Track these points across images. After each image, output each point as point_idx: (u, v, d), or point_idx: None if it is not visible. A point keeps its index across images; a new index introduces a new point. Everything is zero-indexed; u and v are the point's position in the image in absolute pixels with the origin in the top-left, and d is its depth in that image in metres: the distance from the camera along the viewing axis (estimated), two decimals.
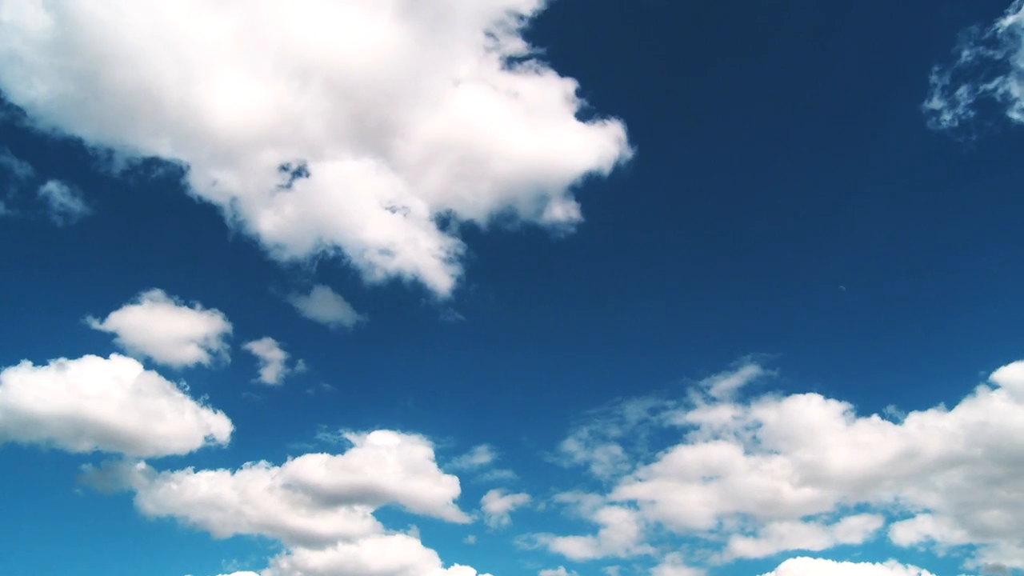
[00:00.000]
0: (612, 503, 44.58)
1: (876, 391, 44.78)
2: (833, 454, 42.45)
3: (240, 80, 41.08)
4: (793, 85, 48.05)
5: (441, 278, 45.02)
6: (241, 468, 42.41)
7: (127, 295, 41.94)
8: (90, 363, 39.73)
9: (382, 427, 44.40)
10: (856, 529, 42.94)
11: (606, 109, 44.71)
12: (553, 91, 44.42)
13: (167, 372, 41.51)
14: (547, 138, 44.63)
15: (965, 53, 42.94)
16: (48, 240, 41.96)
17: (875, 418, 42.86)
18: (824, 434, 42.79)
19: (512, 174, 44.51)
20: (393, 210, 44.61)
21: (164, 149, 41.21)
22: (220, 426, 42.10)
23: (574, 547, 44.07)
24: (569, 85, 44.40)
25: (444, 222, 45.23)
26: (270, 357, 43.79)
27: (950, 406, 41.94)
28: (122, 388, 39.63)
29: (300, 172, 43.39)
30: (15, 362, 38.62)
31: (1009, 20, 41.61)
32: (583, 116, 44.66)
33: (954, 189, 46.10)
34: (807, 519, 43.32)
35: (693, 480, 44.55)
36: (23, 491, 41.11)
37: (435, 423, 45.12)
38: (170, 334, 41.94)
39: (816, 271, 48.14)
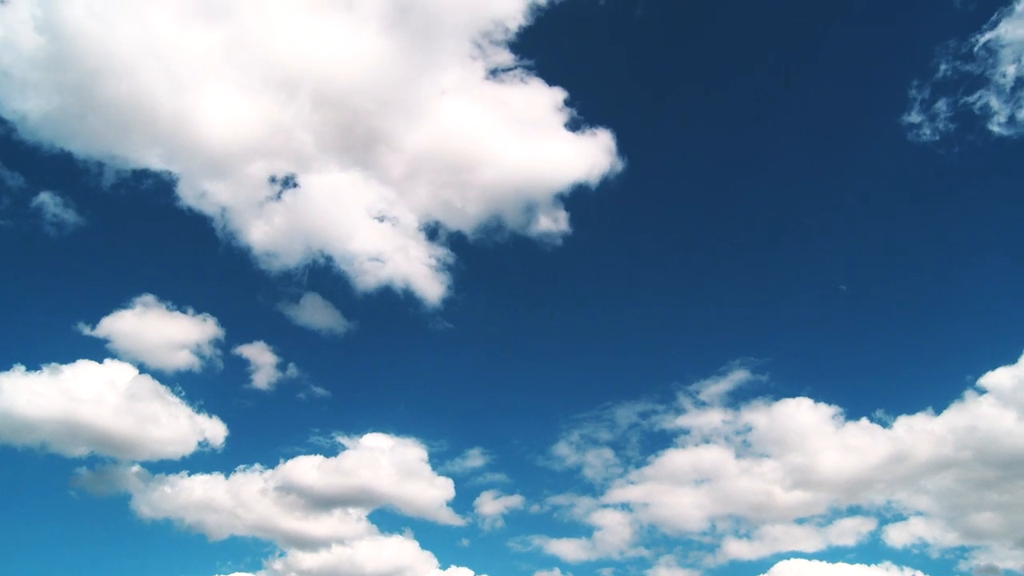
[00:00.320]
0: (605, 505, 44.98)
1: (865, 395, 45.12)
2: (824, 457, 42.82)
3: (229, 92, 41.68)
4: (778, 98, 49.08)
5: (431, 286, 45.51)
6: (236, 472, 42.75)
7: (120, 301, 42.33)
8: (83, 367, 40.07)
9: (375, 430, 44.78)
10: (849, 531, 43.27)
11: (594, 119, 45.18)
12: (541, 101, 44.87)
13: (160, 377, 41.85)
14: (535, 148, 45.03)
15: (944, 67, 43.86)
16: (41, 249, 42.53)
17: (864, 421, 43.24)
18: (815, 437, 43.13)
19: (500, 184, 44.90)
20: (382, 219, 45.26)
21: (155, 161, 41.80)
22: (214, 430, 42.43)
23: (568, 549, 44.43)
24: (557, 95, 44.79)
25: (433, 232, 45.76)
26: (263, 362, 44.15)
27: (938, 410, 42.45)
28: (116, 392, 39.95)
29: (289, 183, 44.03)
30: (8, 367, 39.00)
31: (987, 36, 42.44)
32: (571, 126, 45.09)
33: (939, 199, 46.99)
34: (800, 521, 43.67)
35: (685, 483, 44.92)
36: (18, 494, 41.32)
37: (428, 427, 45.54)
38: (163, 339, 42.27)
39: (804, 277, 48.90)
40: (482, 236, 45.92)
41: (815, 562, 41.68)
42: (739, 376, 45.48)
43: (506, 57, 44.10)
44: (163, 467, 41.69)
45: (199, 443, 41.76)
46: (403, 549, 42.65)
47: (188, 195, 42.76)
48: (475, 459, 46.01)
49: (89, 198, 42.16)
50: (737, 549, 43.56)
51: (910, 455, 41.64)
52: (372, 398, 47.36)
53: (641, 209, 48.75)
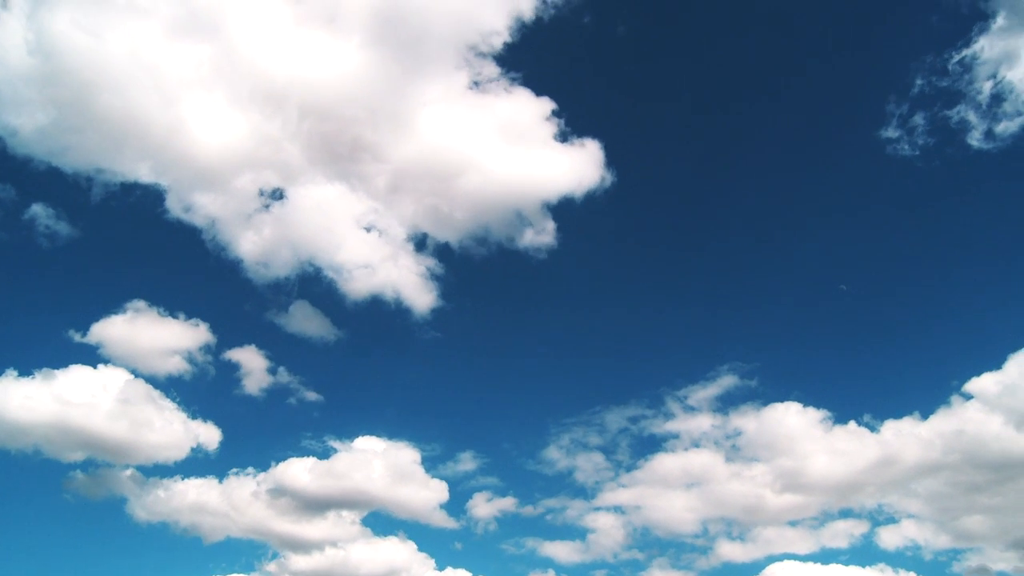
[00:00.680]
0: (597, 508, 45.17)
1: (852, 400, 45.55)
2: (814, 461, 43.01)
3: (217, 106, 42.18)
4: (760, 113, 49.96)
5: (419, 296, 45.81)
6: (230, 476, 43.00)
7: (112, 307, 42.57)
8: (76, 372, 40.38)
9: (367, 434, 44.90)
10: (841, 533, 43.45)
11: (580, 129, 45.48)
12: (528, 113, 45.13)
13: (153, 382, 42.12)
14: (522, 158, 45.31)
15: (920, 82, 44.79)
16: (34, 258, 43.10)
17: (852, 425, 43.48)
18: (804, 441, 43.32)
19: (488, 194, 45.14)
20: (369, 230, 45.66)
21: (145, 174, 42.34)
22: (207, 435, 42.70)
23: (562, 551, 44.58)
24: (545, 106, 45.03)
25: (421, 242, 46.11)
26: (255, 367, 44.35)
27: (925, 415, 42.70)
28: (109, 397, 40.17)
29: (277, 195, 44.50)
30: (0, 372, 39.28)
31: (964, 52, 43.25)
32: (559, 137, 45.35)
33: (923, 209, 47.43)
34: (792, 524, 43.91)
35: (676, 487, 45.10)
36: (12, 498, 41.57)
37: (420, 431, 45.79)
38: (156, 345, 42.55)
39: (791, 284, 49.28)
40: (470, 246, 46.41)
41: (809, 564, 41.97)
42: (727, 381, 45.94)
43: (492, 69, 44.58)
44: (157, 471, 41.99)
45: (193, 447, 42.15)
46: (399, 551, 42.99)
47: (178, 207, 43.42)
48: (467, 463, 46.42)
49: (80, 210, 42.81)
50: (730, 551, 43.87)
51: (899, 459, 41.95)
52: (364, 402, 47.71)
53: (628, 217, 49.15)
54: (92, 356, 40.96)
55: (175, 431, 41.53)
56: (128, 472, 41.61)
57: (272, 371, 44.41)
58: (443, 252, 46.22)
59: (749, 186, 49.79)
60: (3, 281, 42.90)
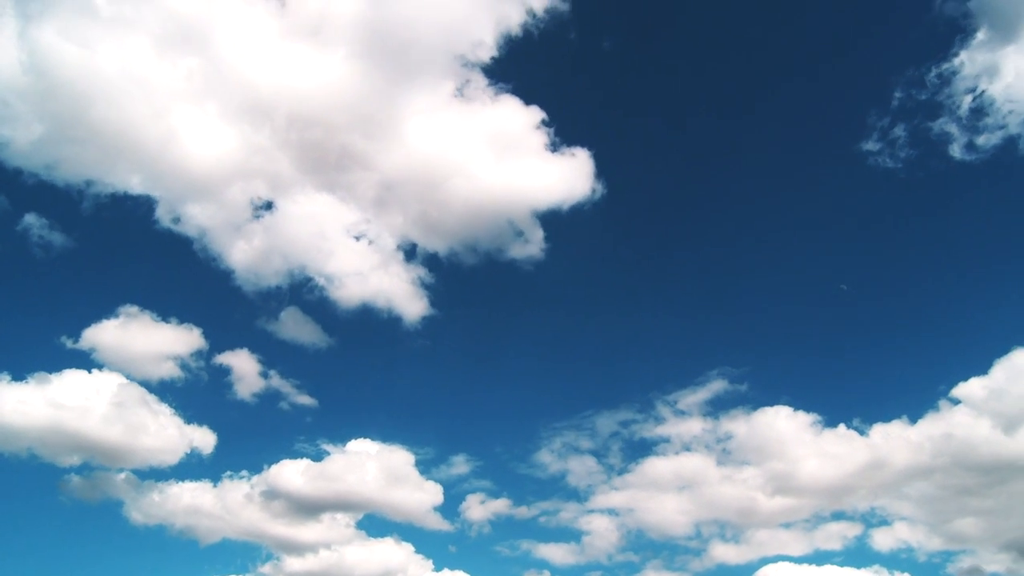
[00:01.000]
0: (591, 511, 45.40)
1: (841, 405, 45.82)
2: (805, 464, 43.21)
3: (206, 118, 42.72)
4: (749, 122, 50.51)
5: (410, 304, 46.11)
6: (225, 479, 43.31)
7: (106, 312, 42.90)
8: (70, 377, 40.68)
9: (361, 437, 45.13)
10: (835, 536, 43.69)
11: (570, 138, 45.85)
12: (517, 122, 45.49)
13: (146, 386, 42.42)
14: (512, 168, 45.72)
15: (900, 95, 45.50)
16: (28, 267, 43.53)
17: (841, 428, 43.72)
18: (796, 445, 43.55)
19: (477, 204, 45.46)
20: (359, 238, 46.08)
21: (137, 185, 42.88)
22: (201, 438, 42.97)
23: (557, 554, 44.79)
24: (534, 116, 45.36)
25: (411, 251, 46.46)
26: (247, 371, 44.65)
27: (913, 419, 42.96)
28: (103, 401, 40.49)
29: (268, 205, 44.94)
30: None
31: (945, 65, 43.83)
32: (548, 146, 45.68)
33: (909, 219, 48.11)
34: (786, 526, 44.17)
35: (668, 490, 45.31)
36: (8, 501, 41.85)
37: (413, 434, 45.99)
38: (148, 350, 42.81)
39: (779, 290, 49.72)
40: (460, 254, 46.73)
41: (804, 566, 42.17)
42: (717, 386, 46.25)
43: (481, 79, 44.97)
44: (152, 475, 42.29)
45: (187, 451, 42.43)
46: (395, 553, 43.21)
47: (169, 217, 43.88)
48: (460, 466, 46.67)
49: (73, 220, 43.24)
50: (723, 553, 44.12)
51: (890, 462, 42.20)
52: (357, 406, 48.00)
53: (617, 223, 49.48)
54: (86, 361, 41.42)
55: (169, 435, 41.90)
56: (123, 476, 42.05)
57: (264, 375, 44.84)
58: (433, 261, 46.75)
59: (738, 194, 50.53)
60: None
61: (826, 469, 42.71)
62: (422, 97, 44.70)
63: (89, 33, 39.53)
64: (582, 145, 45.71)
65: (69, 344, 41.52)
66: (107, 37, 40.04)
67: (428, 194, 45.45)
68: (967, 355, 43.36)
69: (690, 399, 46.32)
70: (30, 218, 42.29)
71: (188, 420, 42.82)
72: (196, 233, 44.16)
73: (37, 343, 42.48)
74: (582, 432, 47.17)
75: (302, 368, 45.63)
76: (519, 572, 44.93)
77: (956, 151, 44.01)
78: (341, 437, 45.06)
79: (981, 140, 43.51)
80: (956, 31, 43.40)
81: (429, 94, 44.77)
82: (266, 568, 42.32)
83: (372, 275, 45.67)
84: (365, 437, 44.82)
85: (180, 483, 42.35)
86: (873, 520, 43.72)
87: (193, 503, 42.16)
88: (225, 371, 44.28)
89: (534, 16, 44.60)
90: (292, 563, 42.19)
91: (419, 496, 44.14)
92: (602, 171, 45.92)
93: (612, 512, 45.12)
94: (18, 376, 39.84)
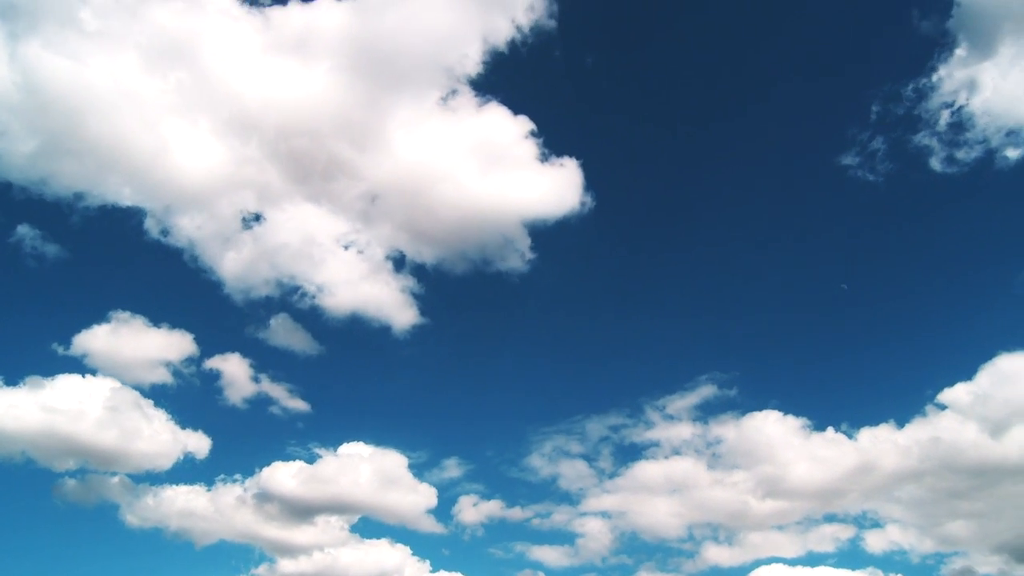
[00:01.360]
0: (584, 514, 45.62)
1: (830, 408, 46.02)
2: (796, 468, 43.46)
3: (195, 131, 43.22)
4: (735, 134, 50.94)
5: (399, 313, 46.38)
6: (220, 483, 43.60)
7: (99, 318, 43.23)
8: (64, 381, 41.02)
9: (354, 440, 45.36)
10: (827, 538, 43.91)
11: (558, 148, 46.12)
12: (505, 133, 45.80)
13: (139, 391, 42.69)
14: (500, 178, 46.07)
15: (878, 109, 46.31)
16: (21, 276, 44.03)
17: (830, 432, 43.91)
18: (785, 448, 43.72)
19: (466, 213, 45.77)
20: (347, 247, 46.45)
21: (127, 197, 43.35)
22: (195, 443, 43.25)
23: (551, 556, 44.97)
24: (522, 127, 45.64)
25: (400, 261, 46.78)
26: (240, 376, 44.93)
27: (901, 424, 43.30)
28: (97, 406, 40.70)
29: (257, 216, 45.35)
30: None
31: (925, 79, 44.60)
32: (538, 157, 45.96)
33: (896, 229, 48.64)
34: (779, 528, 44.40)
35: (659, 493, 45.52)
36: (2, 504, 42.13)
37: (405, 439, 46.19)
38: (141, 355, 43.13)
39: (768, 296, 50.22)
40: (450, 263, 47.09)
41: (798, 568, 42.46)
42: (706, 391, 46.58)
43: (468, 91, 45.39)
44: (147, 478, 42.63)
45: (181, 455, 42.72)
46: (390, 555, 43.43)
47: (160, 229, 44.32)
48: (452, 469, 47.00)
49: (65, 231, 43.73)
50: (717, 555, 44.31)
51: (879, 465, 42.48)
52: (350, 411, 48.25)
53: (605, 232, 49.85)
54: (79, 366, 41.75)
55: (163, 439, 42.22)
56: (117, 479, 42.34)
57: (256, 379, 45.09)
58: (423, 270, 47.09)
59: (727, 202, 51.01)
60: None
61: (816, 472, 43.07)
62: (410, 108, 45.29)
63: (75, 48, 40.27)
64: (570, 155, 46.20)
65: (62, 350, 42.05)
66: (94, 52, 40.76)
67: (417, 204, 45.91)
68: (952, 361, 44.12)
69: (679, 404, 46.76)
70: (23, 229, 42.95)
71: (181, 424, 43.23)
72: (186, 244, 44.75)
73: (31, 348, 42.97)
74: (572, 436, 47.64)
75: (294, 373, 45.99)
76: (513, 574, 45.49)
77: (936, 164, 44.94)
78: (335, 440, 45.46)
79: (961, 154, 44.36)
80: (935, 46, 44.29)
81: (417, 105, 45.34)
82: (261, 570, 42.69)
83: (361, 284, 46.21)
84: (358, 441, 45.20)
85: (174, 487, 42.74)
86: (865, 523, 44.12)
87: (188, 506, 42.52)
88: (217, 376, 44.69)
89: (520, 31, 45.31)
90: (287, 565, 42.58)
91: (413, 499, 44.54)
92: (591, 180, 46.44)
93: (605, 515, 45.51)
94: (11, 381, 40.32)
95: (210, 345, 44.61)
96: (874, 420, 43.68)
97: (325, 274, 45.75)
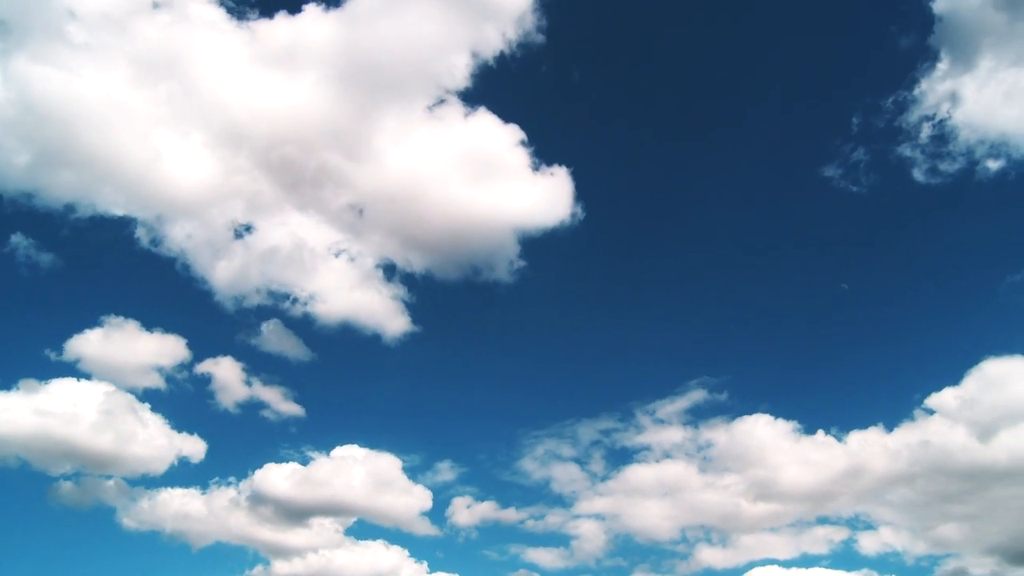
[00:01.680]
0: (577, 516, 45.93)
1: (819, 412, 46.65)
2: (787, 471, 43.76)
3: (186, 141, 43.76)
4: (722, 146, 51.83)
5: (390, 321, 46.77)
6: (214, 486, 43.89)
7: (92, 324, 43.56)
8: (58, 386, 41.26)
9: (349, 443, 45.62)
10: (821, 540, 44.22)
11: (550, 157, 46.63)
12: (495, 142, 46.23)
13: (133, 395, 43.01)
14: (490, 186, 46.44)
15: (860, 122, 47.27)
16: (14, 284, 44.31)
17: (820, 435, 44.25)
18: (776, 452, 43.98)
19: (457, 221, 46.14)
20: (338, 255, 46.91)
21: (119, 207, 43.73)
22: (190, 446, 43.55)
23: (546, 558, 45.29)
24: (512, 136, 46.04)
25: (391, 268, 47.18)
26: (233, 381, 45.26)
27: (890, 428, 43.62)
28: (92, 409, 40.90)
29: (247, 226, 45.85)
30: None
31: (908, 92, 45.37)
32: (528, 166, 46.38)
33: (882, 237, 49.34)
34: (772, 530, 44.68)
35: (652, 496, 45.84)
36: None
37: (398, 442, 46.48)
38: (135, 360, 43.44)
39: (757, 302, 50.69)
40: (441, 270, 47.52)
41: (792, 570, 42.74)
42: (696, 396, 46.97)
43: (458, 102, 45.86)
44: (142, 482, 42.85)
45: (175, 458, 43.03)
46: (385, 557, 43.66)
47: (152, 238, 44.72)
48: (446, 472, 47.31)
49: (58, 241, 44.06)
50: (711, 557, 44.57)
51: (870, 468, 42.74)
52: (343, 414, 48.73)
53: (596, 239, 50.25)
54: (73, 370, 42.06)
55: (158, 443, 42.48)
56: (112, 482, 42.57)
57: (248, 383, 45.40)
58: (414, 278, 47.47)
59: (717, 208, 51.68)
60: None
61: (807, 475, 43.36)
62: (399, 117, 45.84)
63: (65, 61, 40.79)
64: (560, 163, 46.67)
65: (55, 355, 42.33)
66: (84, 65, 41.30)
67: (407, 213, 46.19)
68: (939, 366, 44.58)
69: (669, 408, 47.13)
70: (17, 238, 43.29)
71: (176, 428, 43.53)
72: (178, 253, 45.11)
73: (25, 353, 43.25)
74: (564, 440, 48.00)
75: (287, 378, 46.32)
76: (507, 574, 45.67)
77: (920, 175, 45.69)
78: (329, 444, 45.73)
79: (944, 165, 45.19)
80: (918, 60, 45.14)
81: (406, 114, 45.90)
82: (256, 572, 42.93)
83: (352, 292, 46.57)
84: (351, 444, 45.46)
85: (169, 489, 43.04)
86: (858, 525, 44.38)
87: (183, 509, 42.83)
88: (210, 380, 45.00)
89: (510, 45, 45.81)
90: (283, 567, 42.83)
91: (407, 501, 44.82)
92: (581, 187, 46.96)
93: (598, 517, 45.82)
94: (5, 385, 40.55)
95: (203, 349, 45.03)
96: (863, 423, 44.23)
97: (316, 282, 46.24)
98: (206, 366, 44.75)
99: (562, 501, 46.31)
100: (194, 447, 43.49)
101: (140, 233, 44.34)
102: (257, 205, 45.60)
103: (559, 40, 47.53)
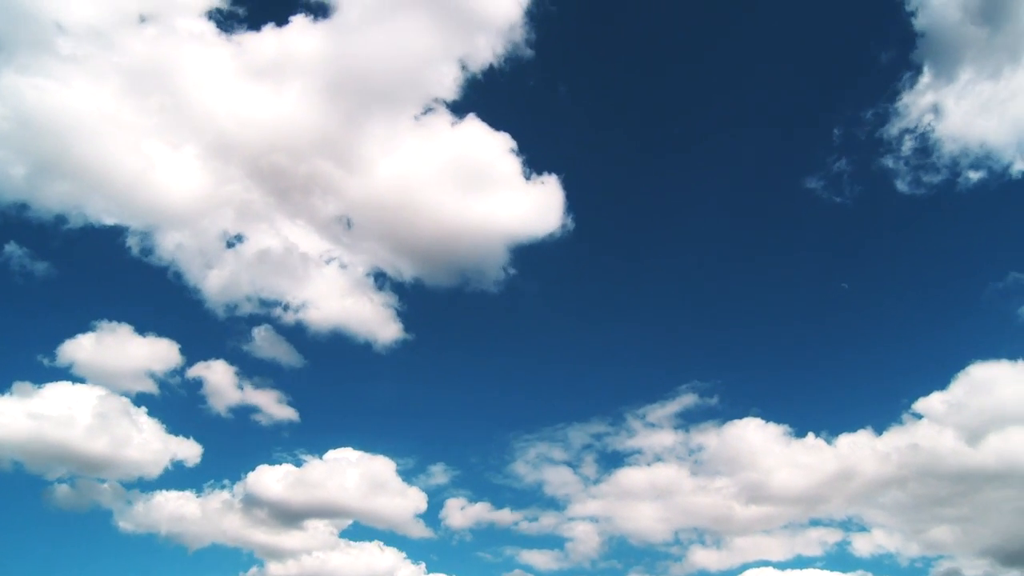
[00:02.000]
0: (572, 518, 46.12)
1: (809, 415, 47.27)
2: (778, 474, 43.86)
3: (176, 153, 44.21)
4: (711, 157, 52.24)
5: (382, 328, 47.05)
6: (209, 489, 44.11)
7: (86, 329, 43.88)
8: (52, 390, 41.45)
9: (344, 446, 45.75)
10: (814, 542, 44.43)
11: (539, 165, 46.85)
12: (486, 152, 46.38)
13: (127, 398, 43.26)
14: (481, 194, 46.69)
15: (842, 133, 48.03)
16: (8, 291, 44.68)
17: (810, 438, 44.46)
18: (767, 455, 44.15)
19: (447, 229, 46.31)
20: (329, 262, 47.28)
21: (111, 218, 44.13)
22: (184, 450, 43.78)
23: (540, 560, 45.45)
24: (503, 145, 46.22)
25: (382, 277, 47.50)
26: (226, 385, 45.51)
27: (879, 432, 43.88)
28: (86, 413, 41.12)
29: (239, 235, 46.12)
30: None
31: (888, 106, 46.06)
32: (518, 175, 46.59)
33: (870, 245, 49.98)
34: (766, 532, 44.87)
35: (644, 499, 46.01)
36: None
37: (392, 446, 46.69)
38: (129, 365, 43.71)
39: (747, 307, 51.31)
40: (432, 278, 47.81)
41: (787, 571, 42.95)
42: (687, 400, 47.29)
43: (446, 111, 46.07)
44: (137, 484, 43.05)
45: (171, 461, 43.28)
46: (382, 559, 43.85)
47: (143, 248, 45.09)
48: (439, 476, 47.59)
49: (51, 250, 44.34)
50: (705, 559, 44.73)
51: (861, 471, 42.91)
52: (337, 418, 48.95)
53: (586, 246, 50.74)
54: (67, 375, 42.32)
55: (153, 447, 42.75)
56: (107, 485, 42.80)
57: (240, 387, 45.66)
58: (405, 286, 47.70)
59: (708, 215, 51.97)
60: None
61: (799, 478, 43.54)
62: (389, 127, 46.07)
63: (55, 74, 41.17)
64: (550, 171, 46.93)
65: (49, 361, 42.64)
66: (74, 78, 41.66)
67: (397, 221, 46.42)
68: (926, 371, 45.10)
69: (659, 413, 47.37)
70: (10, 248, 43.63)
71: (171, 431, 43.76)
72: (170, 262, 45.37)
73: (18, 358, 43.46)
74: (555, 444, 48.27)
75: (280, 382, 46.53)
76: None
77: (904, 187, 46.31)
78: (323, 447, 45.91)
79: (927, 177, 45.78)
80: (901, 73, 45.72)
81: (395, 124, 46.12)
82: (251, 573, 43.20)
83: (344, 300, 46.88)
84: (345, 447, 45.56)
85: (164, 492, 43.21)
86: (851, 527, 44.61)
87: (178, 512, 43.02)
88: (204, 384, 45.23)
89: (498, 58, 46.09)
90: (277, 569, 43.02)
91: (401, 503, 45.04)
92: (571, 196, 47.31)
93: (592, 519, 46.01)
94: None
95: (195, 354, 45.28)
96: (852, 427, 44.51)
97: (308, 291, 46.51)
98: (200, 371, 45.10)
99: (555, 504, 46.72)
100: (189, 450, 43.83)
101: (131, 242, 44.81)
102: (247, 214, 46.03)
103: (547, 53, 48.10)
